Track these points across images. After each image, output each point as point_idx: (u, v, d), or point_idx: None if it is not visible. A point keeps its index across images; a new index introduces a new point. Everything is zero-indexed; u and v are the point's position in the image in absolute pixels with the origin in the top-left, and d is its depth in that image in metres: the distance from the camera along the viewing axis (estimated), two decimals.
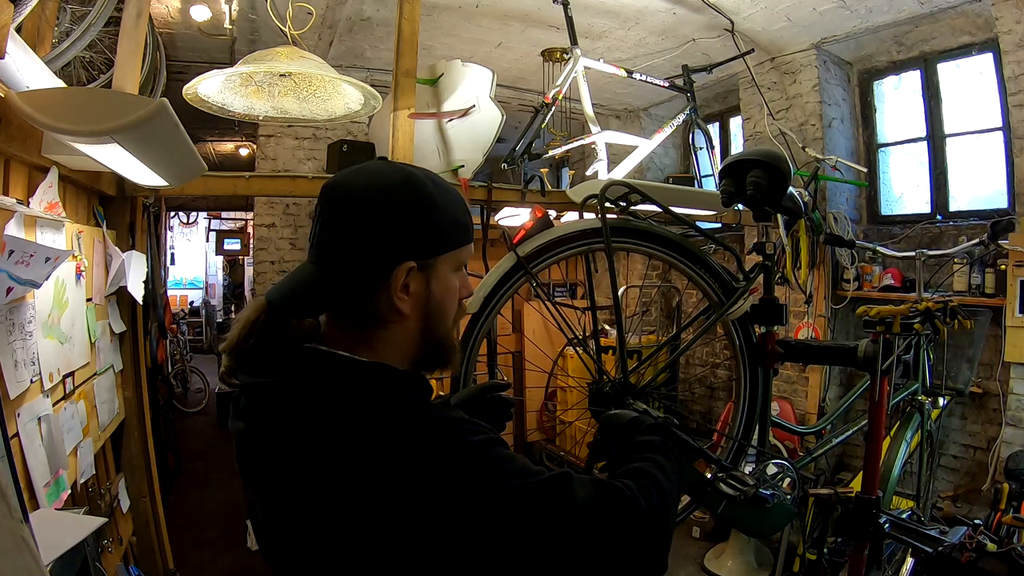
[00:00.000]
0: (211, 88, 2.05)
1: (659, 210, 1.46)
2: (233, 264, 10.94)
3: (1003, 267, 2.85)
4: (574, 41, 3.25)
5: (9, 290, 1.30)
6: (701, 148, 4.11)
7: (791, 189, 1.39)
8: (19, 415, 1.44)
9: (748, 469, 1.46)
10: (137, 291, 2.35)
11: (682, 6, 3.34)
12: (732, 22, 3.44)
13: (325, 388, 0.70)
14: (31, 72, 1.49)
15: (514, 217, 3.17)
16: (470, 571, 0.66)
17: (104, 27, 2.06)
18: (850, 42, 3.60)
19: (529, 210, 3.04)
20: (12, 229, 1.37)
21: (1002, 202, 3.21)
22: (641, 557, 0.73)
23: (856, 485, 1.64)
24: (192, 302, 10.76)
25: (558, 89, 3.26)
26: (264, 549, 0.78)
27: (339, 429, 0.67)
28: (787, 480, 1.39)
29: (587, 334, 1.58)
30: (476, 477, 0.66)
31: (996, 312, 2.87)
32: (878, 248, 2.72)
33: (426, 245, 0.76)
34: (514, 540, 0.66)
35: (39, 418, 1.55)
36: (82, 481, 1.84)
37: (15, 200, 1.44)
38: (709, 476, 1.38)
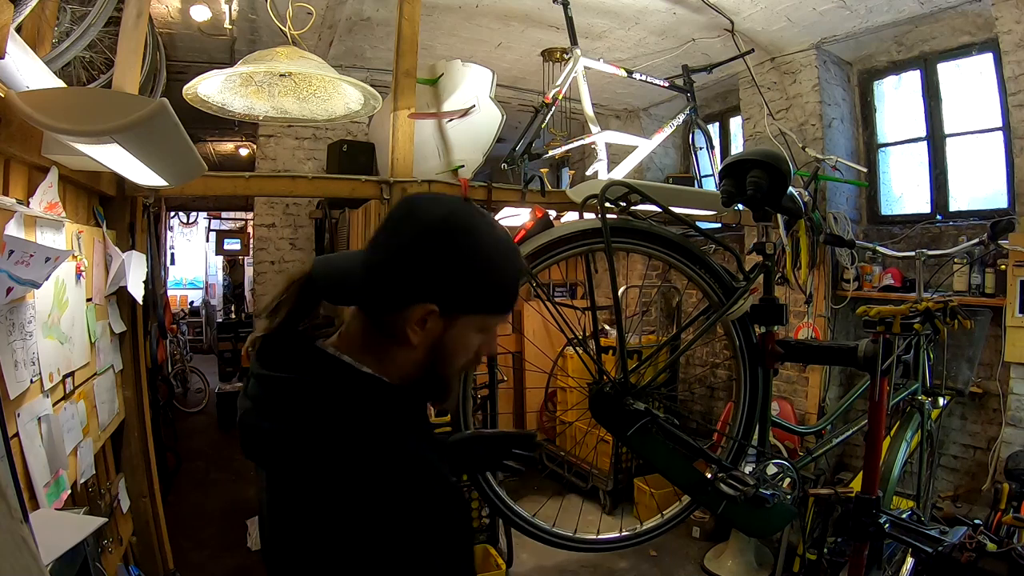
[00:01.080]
0: (211, 88, 2.05)
1: (659, 210, 1.47)
2: (233, 264, 10.92)
3: (1003, 267, 2.85)
4: (574, 41, 3.25)
5: (9, 290, 1.30)
6: (701, 148, 4.10)
7: (791, 189, 1.39)
8: (19, 415, 1.44)
9: (748, 469, 1.47)
10: (137, 291, 2.35)
11: (682, 6, 3.35)
12: (732, 22, 3.44)
13: (318, 394, 0.74)
14: (31, 72, 1.49)
15: (514, 217, 3.17)
16: None
17: (104, 27, 2.06)
18: (850, 42, 3.60)
19: (529, 210, 3.04)
20: (12, 229, 1.37)
21: (1002, 202, 3.21)
22: None
23: (856, 485, 1.64)
24: (192, 302, 10.77)
25: (558, 89, 3.26)
26: (260, 537, 0.82)
27: (318, 434, 0.72)
28: (787, 480, 1.39)
29: (587, 334, 1.57)
30: (392, 519, 0.68)
31: (996, 312, 2.88)
32: (878, 248, 2.71)
33: (453, 300, 0.76)
34: None
35: (39, 418, 1.55)
36: (82, 481, 1.84)
37: (15, 200, 1.44)
38: (709, 476, 1.39)
